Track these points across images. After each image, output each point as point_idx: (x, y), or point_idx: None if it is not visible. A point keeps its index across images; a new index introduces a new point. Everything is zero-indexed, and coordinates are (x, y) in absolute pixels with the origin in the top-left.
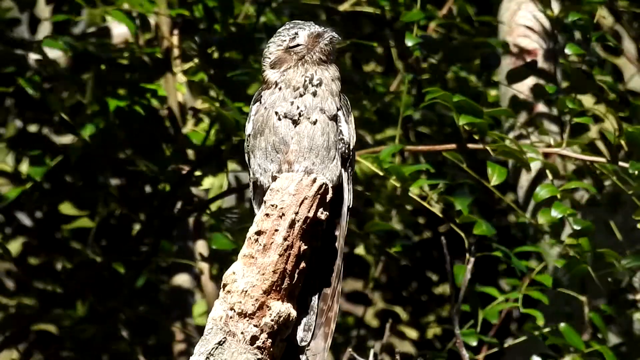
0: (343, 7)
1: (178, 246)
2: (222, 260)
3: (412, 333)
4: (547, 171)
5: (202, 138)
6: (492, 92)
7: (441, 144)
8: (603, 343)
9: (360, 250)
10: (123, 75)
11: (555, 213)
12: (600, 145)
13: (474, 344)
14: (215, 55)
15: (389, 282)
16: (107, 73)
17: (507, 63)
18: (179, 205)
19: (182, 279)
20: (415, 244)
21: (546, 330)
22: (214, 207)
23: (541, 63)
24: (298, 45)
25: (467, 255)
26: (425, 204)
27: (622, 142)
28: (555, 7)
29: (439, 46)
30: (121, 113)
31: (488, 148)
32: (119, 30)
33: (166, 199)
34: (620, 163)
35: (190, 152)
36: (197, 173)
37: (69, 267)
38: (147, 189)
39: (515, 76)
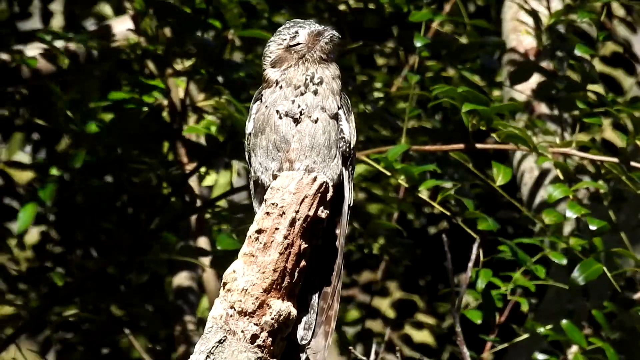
0: (343, 7)
1: (181, 245)
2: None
3: (430, 321)
4: (558, 171)
5: (204, 134)
6: (495, 93)
7: (446, 144)
8: (605, 340)
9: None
10: (126, 71)
11: (569, 213)
12: (612, 135)
13: (479, 322)
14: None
15: (405, 272)
16: (111, 70)
17: (509, 62)
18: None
19: (184, 277)
20: (430, 236)
21: (548, 327)
22: (222, 203)
23: (544, 61)
24: (298, 43)
25: (473, 251)
26: (435, 204)
27: (638, 142)
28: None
29: (444, 46)
30: (123, 110)
31: (494, 135)
32: (120, 29)
33: (168, 197)
34: (633, 163)
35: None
36: (202, 170)
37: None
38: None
39: (517, 77)
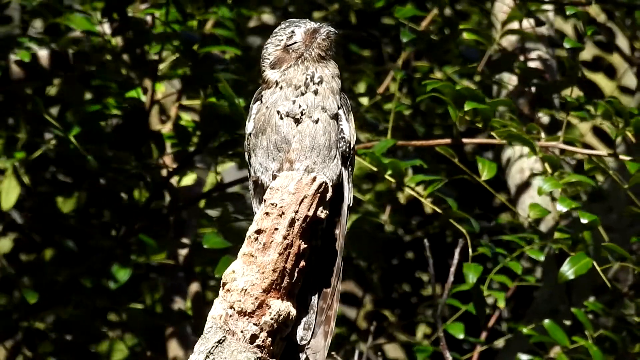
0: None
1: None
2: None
3: (401, 336)
4: (546, 164)
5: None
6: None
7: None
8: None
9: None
10: (106, 76)
11: (561, 207)
12: (593, 140)
13: (461, 336)
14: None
15: (379, 283)
16: (89, 74)
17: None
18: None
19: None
20: (406, 244)
21: (531, 326)
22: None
23: (533, 60)
24: (295, 42)
25: (455, 255)
26: (423, 200)
27: (629, 133)
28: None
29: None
30: (102, 114)
31: (494, 134)
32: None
33: (150, 198)
34: (621, 157)
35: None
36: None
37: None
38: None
39: (496, 67)
